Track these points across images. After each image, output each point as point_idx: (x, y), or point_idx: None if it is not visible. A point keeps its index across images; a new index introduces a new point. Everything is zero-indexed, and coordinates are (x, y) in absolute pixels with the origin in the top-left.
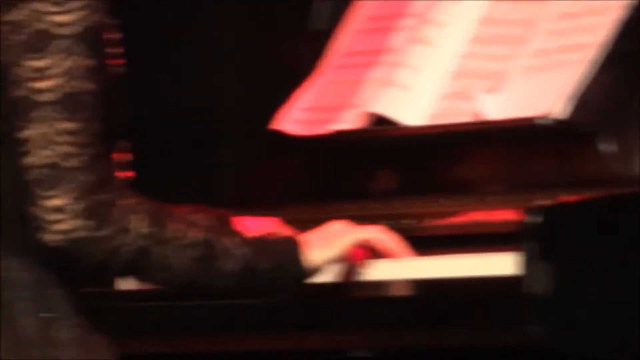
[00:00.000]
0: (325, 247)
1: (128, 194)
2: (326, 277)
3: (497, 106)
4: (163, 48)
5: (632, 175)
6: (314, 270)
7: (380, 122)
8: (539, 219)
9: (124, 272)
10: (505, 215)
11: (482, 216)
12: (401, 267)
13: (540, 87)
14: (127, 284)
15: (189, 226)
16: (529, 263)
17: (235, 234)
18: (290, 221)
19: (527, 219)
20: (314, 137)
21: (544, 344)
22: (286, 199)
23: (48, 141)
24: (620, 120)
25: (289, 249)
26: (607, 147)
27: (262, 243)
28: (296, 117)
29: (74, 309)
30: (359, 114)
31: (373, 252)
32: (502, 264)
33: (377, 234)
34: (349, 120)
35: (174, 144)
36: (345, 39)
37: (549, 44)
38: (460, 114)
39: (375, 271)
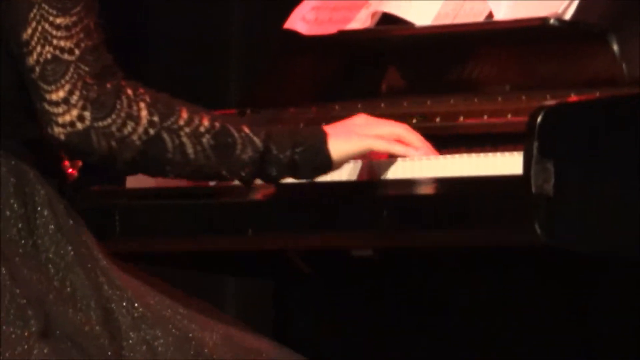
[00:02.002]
0: (348, 142)
1: (133, 84)
2: (330, 176)
3: (506, 6)
4: None
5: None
6: (334, 164)
7: (391, 21)
8: (544, 118)
9: (136, 164)
10: (513, 115)
11: (491, 116)
12: (409, 166)
13: None
14: (136, 182)
15: (201, 113)
16: (535, 163)
17: (251, 123)
18: (299, 121)
19: (533, 118)
20: (324, 36)
21: (549, 242)
22: (296, 98)
23: (46, 38)
24: (628, 20)
25: (314, 138)
26: (615, 47)
27: (283, 131)
28: (307, 17)
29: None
30: (369, 14)
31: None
32: (509, 163)
33: (392, 141)
34: (359, 20)
35: (180, 46)
36: None
37: None
38: (469, 14)
39: (383, 170)
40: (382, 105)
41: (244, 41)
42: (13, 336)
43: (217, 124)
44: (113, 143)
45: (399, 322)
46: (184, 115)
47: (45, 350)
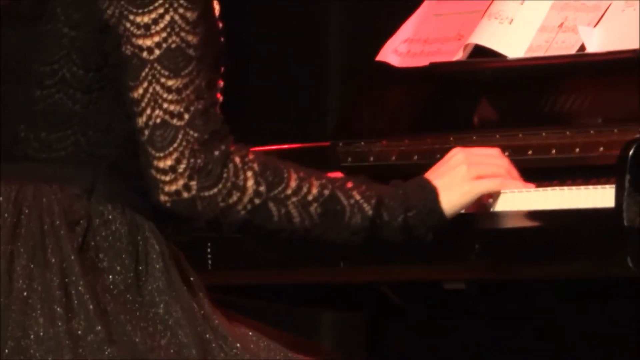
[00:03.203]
0: (460, 194)
1: (241, 148)
2: None
3: (598, 39)
4: None
5: None
6: (448, 220)
7: (483, 53)
8: (636, 151)
9: (242, 229)
10: (605, 148)
11: (583, 149)
12: (500, 199)
13: None
14: None
15: (310, 179)
16: (627, 195)
17: (362, 183)
18: (392, 153)
19: (625, 151)
20: (416, 68)
21: None
22: (388, 130)
23: (156, 100)
24: None
25: (425, 198)
26: None
27: (395, 195)
28: (399, 49)
29: (164, 256)
30: (461, 46)
31: None
32: (601, 196)
33: (501, 179)
34: (451, 52)
35: (275, 77)
36: None
37: None
38: (561, 46)
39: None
40: (474, 137)
41: (340, 72)
42: None
43: (325, 192)
44: (218, 212)
45: (491, 354)
46: (292, 183)
47: None
